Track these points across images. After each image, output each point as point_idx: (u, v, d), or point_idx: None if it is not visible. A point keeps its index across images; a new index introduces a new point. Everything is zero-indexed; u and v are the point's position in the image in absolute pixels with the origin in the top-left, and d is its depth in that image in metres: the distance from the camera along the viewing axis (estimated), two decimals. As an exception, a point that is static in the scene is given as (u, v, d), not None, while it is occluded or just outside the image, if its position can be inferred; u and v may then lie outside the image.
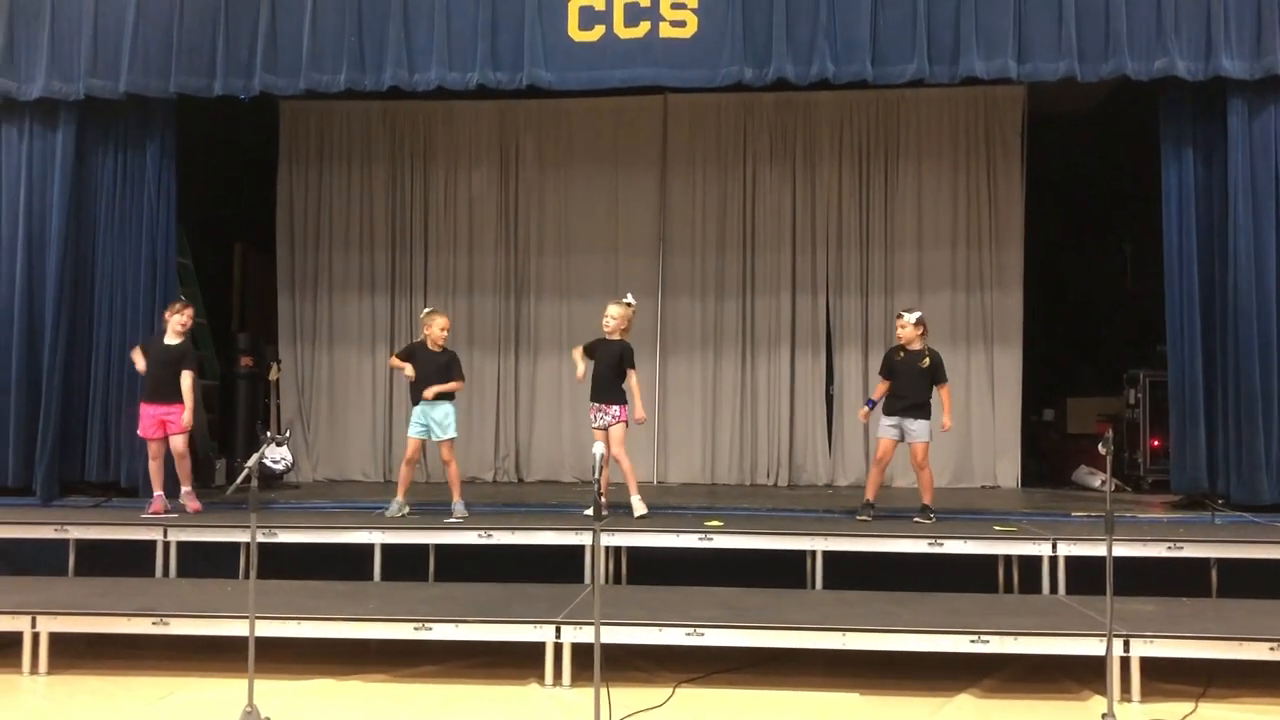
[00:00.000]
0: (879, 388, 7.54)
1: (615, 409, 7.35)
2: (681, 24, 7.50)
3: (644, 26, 7.51)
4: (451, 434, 7.41)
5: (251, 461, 4.64)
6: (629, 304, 7.53)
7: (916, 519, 7.13)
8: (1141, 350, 9.53)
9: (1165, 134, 7.76)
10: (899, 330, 7.46)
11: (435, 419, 7.35)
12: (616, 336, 7.43)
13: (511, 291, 10.31)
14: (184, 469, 7.53)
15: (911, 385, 7.33)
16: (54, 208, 8.07)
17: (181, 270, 8.99)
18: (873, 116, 10.01)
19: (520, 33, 7.56)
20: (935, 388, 7.36)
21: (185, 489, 7.52)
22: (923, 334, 7.44)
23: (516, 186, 10.34)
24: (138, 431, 7.60)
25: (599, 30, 7.54)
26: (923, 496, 7.34)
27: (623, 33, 7.52)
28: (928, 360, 7.36)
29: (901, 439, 7.34)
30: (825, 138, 10.07)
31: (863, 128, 10.05)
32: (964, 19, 7.39)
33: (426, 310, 7.67)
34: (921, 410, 7.31)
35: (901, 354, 7.43)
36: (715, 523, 6.95)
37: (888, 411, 7.39)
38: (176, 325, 7.56)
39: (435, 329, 7.43)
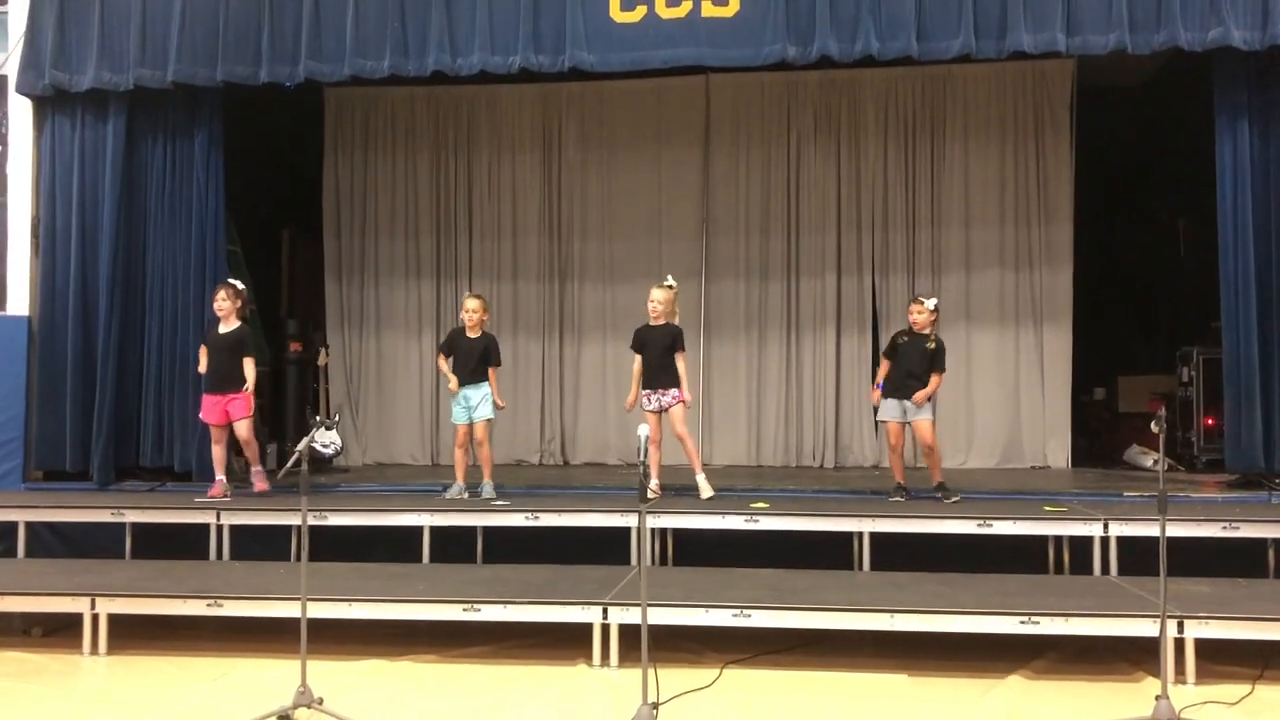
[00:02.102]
0: (882, 369, 7.48)
1: (674, 390, 7.33)
2: (724, 3, 7.43)
3: (686, 6, 7.46)
4: (487, 415, 7.47)
5: (302, 445, 4.70)
6: (670, 286, 7.48)
7: (940, 498, 7.07)
8: (1195, 327, 9.34)
9: (1220, 106, 7.58)
10: (914, 315, 7.36)
11: (473, 402, 7.43)
12: (662, 321, 7.39)
13: (555, 275, 10.34)
14: (251, 452, 7.65)
15: (914, 367, 7.25)
16: (105, 197, 8.20)
17: (231, 257, 9.09)
18: (918, 93, 9.89)
19: (562, 15, 7.55)
20: (932, 373, 7.26)
21: (255, 468, 7.67)
22: (934, 320, 7.36)
23: (559, 170, 10.35)
24: (200, 415, 7.70)
25: (641, 11, 7.50)
26: (933, 476, 7.27)
27: (665, 13, 7.47)
28: (933, 344, 7.27)
29: (904, 420, 7.28)
30: (870, 115, 9.96)
31: (908, 105, 9.93)
32: (1011, -9, 7.25)
33: (466, 295, 7.77)
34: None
35: (906, 336, 7.38)
36: (761, 504, 6.94)
37: (888, 394, 7.33)
38: (225, 309, 7.62)
39: (463, 312, 7.54)
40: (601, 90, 9.96)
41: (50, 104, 8.30)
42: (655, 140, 10.20)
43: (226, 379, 7.51)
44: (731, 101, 10.11)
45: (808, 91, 9.98)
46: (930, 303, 7.37)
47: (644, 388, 7.38)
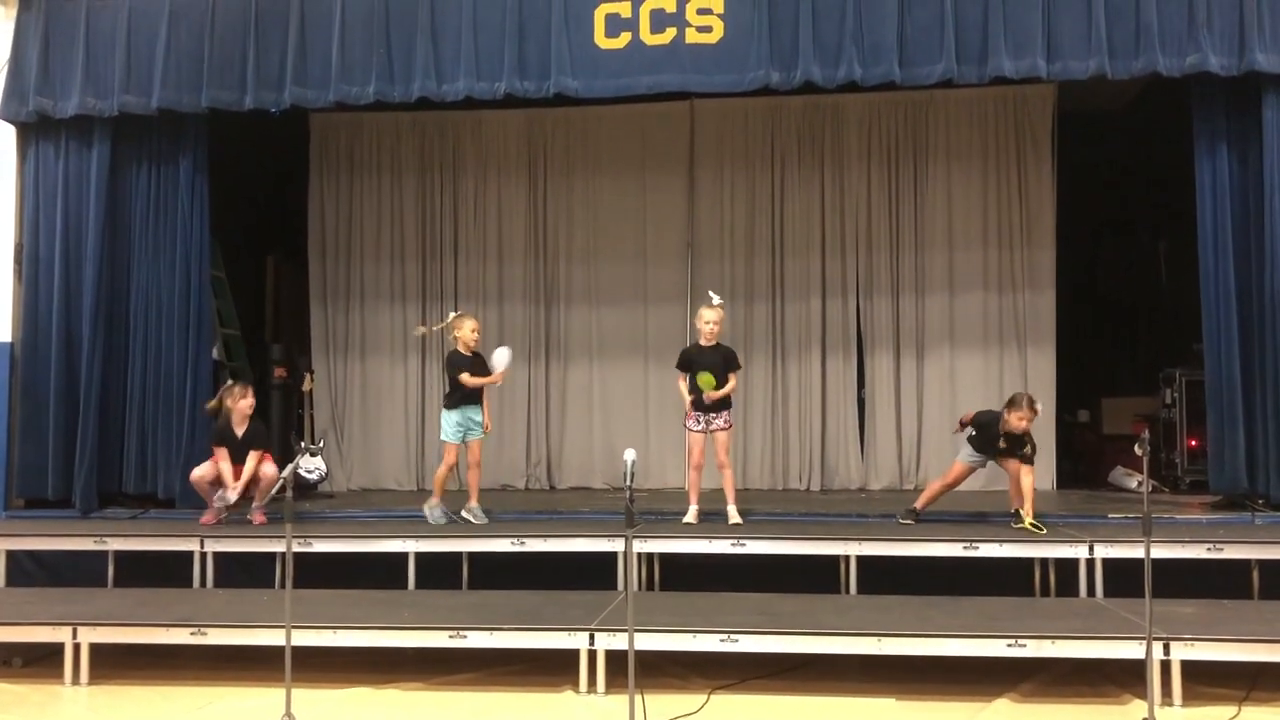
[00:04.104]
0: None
1: (726, 413, 7.31)
2: (708, 29, 7.49)
3: (670, 33, 7.51)
4: (442, 436, 7.48)
5: (286, 472, 4.68)
6: (720, 305, 7.41)
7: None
8: (1178, 349, 9.41)
9: (1198, 130, 7.66)
10: (1022, 421, 6.92)
11: (476, 420, 7.50)
12: (714, 342, 7.34)
13: (541, 299, 10.34)
14: (264, 489, 7.58)
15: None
16: (90, 223, 8.17)
17: (215, 283, 9.09)
18: (901, 118, 9.97)
19: (547, 42, 7.59)
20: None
21: (257, 504, 7.58)
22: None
23: (545, 194, 10.38)
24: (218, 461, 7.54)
25: (625, 37, 7.55)
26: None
27: (649, 39, 7.52)
28: (1029, 448, 7.09)
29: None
30: (853, 140, 10.03)
31: (891, 129, 10.01)
32: (992, 19, 7.31)
33: (455, 315, 7.68)
34: None
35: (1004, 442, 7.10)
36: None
37: (979, 449, 7.17)
38: (244, 411, 7.57)
39: (466, 331, 7.47)
40: (586, 115, 10.01)
41: (34, 130, 8.28)
42: (640, 165, 10.25)
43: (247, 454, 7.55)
44: (716, 126, 10.17)
45: (791, 116, 10.05)
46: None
47: (694, 408, 7.32)
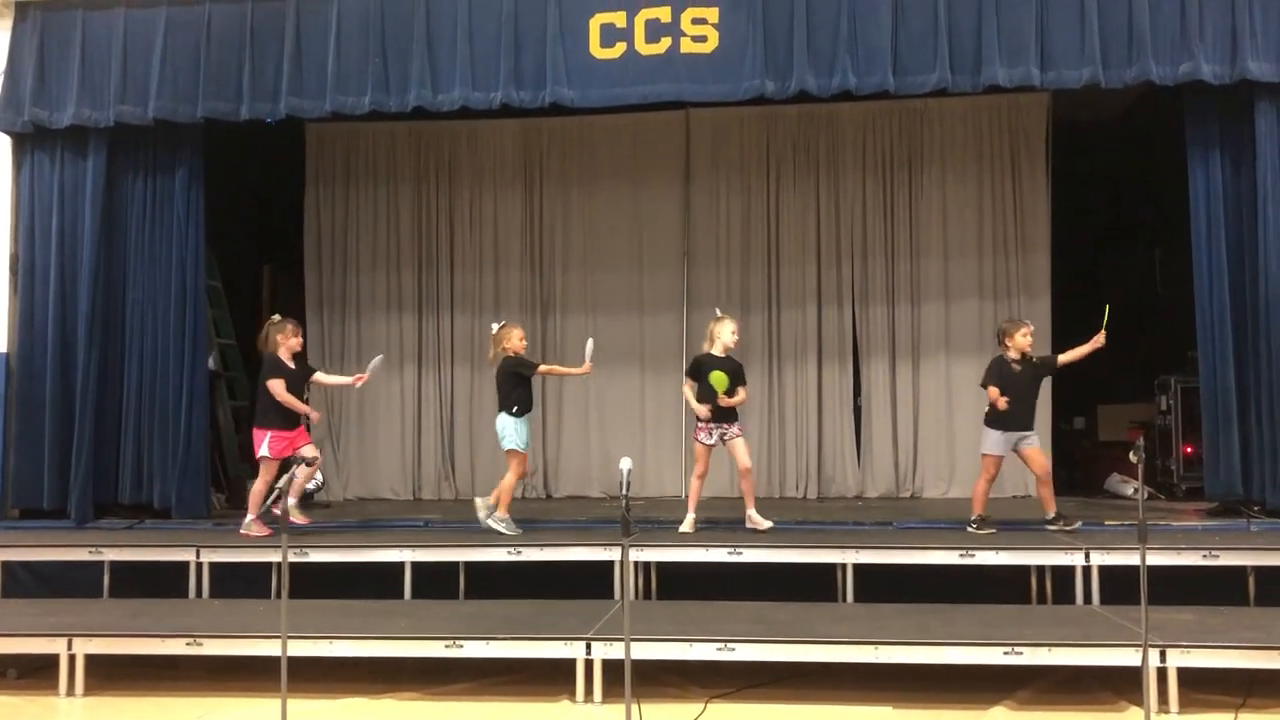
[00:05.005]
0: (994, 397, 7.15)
1: (737, 424, 7.35)
2: (702, 39, 7.51)
3: (665, 42, 7.53)
4: (508, 445, 7.34)
5: (282, 482, 4.68)
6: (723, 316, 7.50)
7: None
8: (1173, 356, 9.42)
9: (1191, 138, 7.69)
10: (1027, 338, 7.20)
11: (498, 430, 7.40)
12: (724, 354, 7.38)
13: (537, 308, 10.36)
14: (300, 484, 7.48)
15: (1029, 394, 7.18)
16: (85, 233, 8.16)
17: (211, 293, 9.09)
18: (896, 126, 10.00)
19: (543, 51, 7.60)
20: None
21: (293, 501, 7.36)
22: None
23: (541, 204, 10.40)
24: (268, 453, 7.35)
25: (620, 47, 7.56)
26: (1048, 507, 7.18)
27: (644, 49, 7.54)
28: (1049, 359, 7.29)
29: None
30: (848, 149, 10.06)
31: (886, 138, 10.04)
32: (986, 27, 7.34)
33: (500, 325, 7.50)
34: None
35: (1018, 365, 7.18)
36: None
37: (1003, 424, 7.09)
38: (293, 348, 7.52)
39: (515, 340, 7.37)
40: (582, 125, 10.04)
41: (30, 141, 8.28)
42: (636, 174, 10.27)
43: (297, 413, 7.45)
44: (711, 135, 10.20)
45: (786, 125, 10.08)
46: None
47: (708, 419, 7.30)
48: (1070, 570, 6.36)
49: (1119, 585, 6.13)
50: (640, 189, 10.28)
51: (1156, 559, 5.90)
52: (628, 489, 4.40)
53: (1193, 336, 7.82)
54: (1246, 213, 7.59)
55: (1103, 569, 6.28)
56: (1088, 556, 6.31)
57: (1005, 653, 5.20)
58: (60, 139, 8.22)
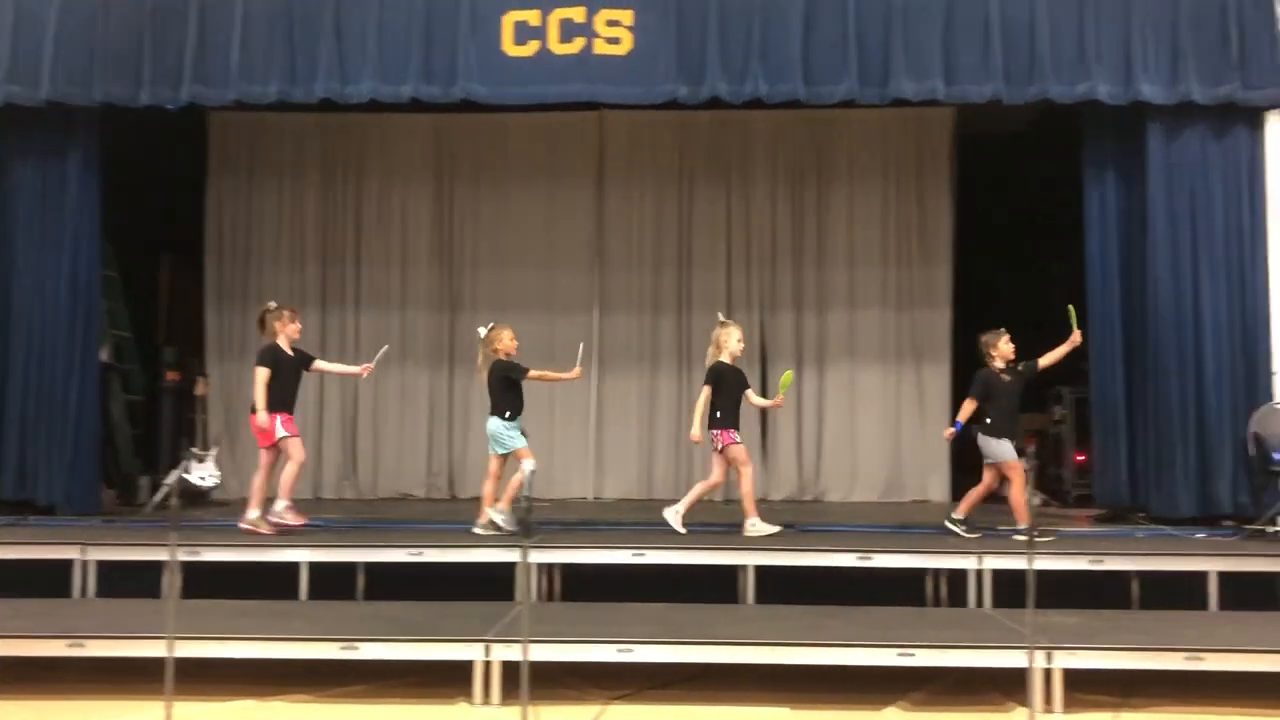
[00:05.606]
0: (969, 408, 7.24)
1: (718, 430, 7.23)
2: (616, 41, 7.53)
3: (579, 43, 7.53)
4: (507, 448, 7.21)
5: (171, 478, 4.55)
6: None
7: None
8: (1067, 367, 9.69)
9: (1087, 156, 7.96)
10: (1010, 344, 7.27)
11: (490, 435, 7.25)
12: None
13: (446, 306, 10.25)
14: (289, 480, 7.19)
15: (1016, 402, 7.23)
16: (-30, 218, 7.85)
17: (106, 283, 8.80)
18: (806, 136, 10.15)
19: (454, 47, 7.54)
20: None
21: (284, 502, 7.15)
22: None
23: (451, 200, 10.31)
24: (286, 433, 7.13)
25: (534, 46, 7.54)
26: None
27: (557, 49, 7.53)
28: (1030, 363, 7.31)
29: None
30: (760, 157, 10.18)
31: (796, 147, 10.19)
32: (893, 42, 7.51)
33: (490, 326, 7.35)
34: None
35: (1008, 375, 7.23)
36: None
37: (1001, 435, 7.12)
38: (291, 335, 7.32)
39: (507, 340, 7.25)
40: (495, 123, 9.96)
41: (-86, 119, 7.94)
42: (549, 174, 10.24)
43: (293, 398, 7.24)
44: (625, 138, 10.22)
45: (700, 131, 10.15)
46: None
47: (722, 426, 7.23)
48: (964, 574, 6.50)
49: (1011, 589, 6.27)
50: (553, 189, 10.25)
51: (1045, 563, 6.05)
52: (530, 491, 4.38)
53: (1086, 348, 8.05)
54: (1137, 229, 7.88)
55: (996, 573, 6.42)
56: (981, 560, 6.46)
57: (899, 654, 5.28)
58: (-57, 120, 7.89)
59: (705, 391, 7.24)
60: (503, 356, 7.27)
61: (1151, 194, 7.71)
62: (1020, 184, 10.72)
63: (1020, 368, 7.33)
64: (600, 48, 7.52)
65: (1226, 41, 7.51)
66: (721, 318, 7.56)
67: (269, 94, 7.64)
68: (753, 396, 7.48)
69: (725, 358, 7.29)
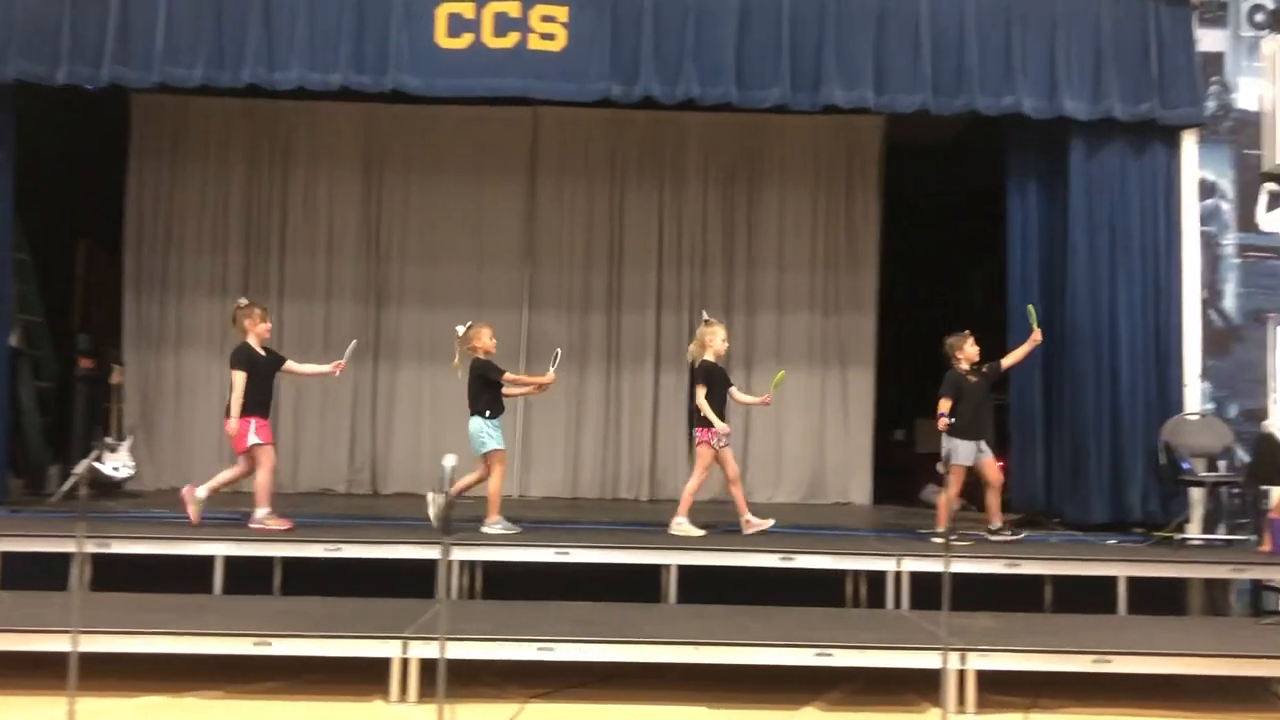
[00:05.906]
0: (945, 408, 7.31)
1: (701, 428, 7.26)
2: (551, 36, 7.50)
3: (513, 37, 7.48)
4: (487, 448, 7.15)
5: (80, 467, 4.42)
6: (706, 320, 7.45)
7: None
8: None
9: (1011, 168, 8.13)
10: (975, 346, 7.42)
11: (471, 434, 7.15)
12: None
13: (372, 299, 10.10)
14: (265, 485, 7.05)
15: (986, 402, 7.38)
16: None
17: (17, 266, 8.51)
18: (739, 140, 10.19)
19: (386, 37, 7.44)
20: None
21: (265, 511, 7.02)
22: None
23: (380, 192, 10.16)
24: (259, 441, 6.99)
25: (467, 38, 7.48)
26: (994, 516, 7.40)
27: (491, 42, 7.47)
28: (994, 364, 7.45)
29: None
30: (693, 158, 10.21)
31: (729, 150, 10.23)
32: (826, 49, 7.58)
33: (469, 325, 7.27)
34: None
35: (975, 376, 7.37)
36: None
37: (965, 430, 7.26)
38: (262, 335, 7.16)
39: (486, 339, 7.18)
40: (426, 114, 9.84)
41: None
42: (480, 168, 10.14)
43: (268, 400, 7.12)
44: (559, 134, 10.17)
45: (634, 130, 10.14)
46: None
47: (706, 424, 7.26)
48: (883, 576, 6.59)
49: (927, 591, 6.38)
50: (484, 184, 10.16)
51: (962, 566, 6.17)
52: (450, 486, 4.33)
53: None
54: (1058, 242, 8.06)
55: (913, 575, 6.53)
56: (899, 563, 6.56)
57: (817, 654, 5.34)
58: None
59: (701, 390, 7.29)
60: (481, 355, 7.21)
61: (1072, 207, 7.88)
62: (947, 192, 10.91)
63: (985, 369, 7.47)
64: (535, 43, 7.48)
65: (1147, 61, 7.72)
66: (706, 316, 7.58)
67: (194, 77, 7.47)
68: (738, 394, 7.53)
69: (710, 356, 7.32)
